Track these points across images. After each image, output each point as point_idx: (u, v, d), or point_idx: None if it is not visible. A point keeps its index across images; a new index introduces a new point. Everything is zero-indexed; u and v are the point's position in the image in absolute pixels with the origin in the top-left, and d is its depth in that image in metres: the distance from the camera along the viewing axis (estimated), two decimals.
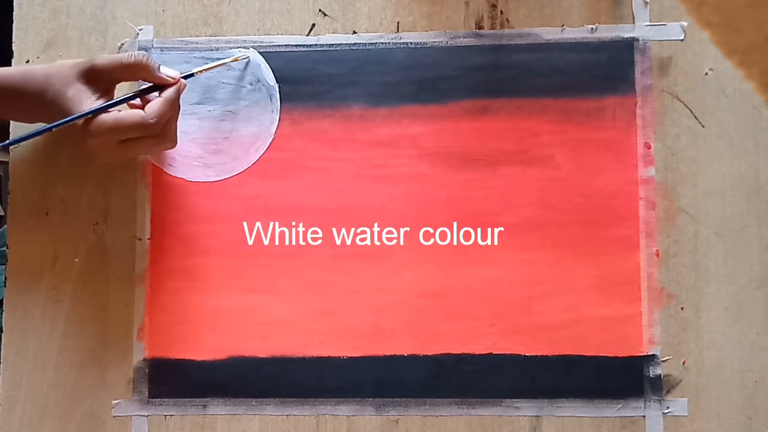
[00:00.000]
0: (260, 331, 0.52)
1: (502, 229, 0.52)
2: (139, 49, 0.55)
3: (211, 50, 0.55)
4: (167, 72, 0.48)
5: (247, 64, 0.54)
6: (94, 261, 0.54)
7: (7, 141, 0.48)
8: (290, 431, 0.52)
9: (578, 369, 0.51)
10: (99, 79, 0.47)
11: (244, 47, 0.54)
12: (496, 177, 0.53)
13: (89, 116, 0.45)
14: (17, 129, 0.54)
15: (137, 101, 0.49)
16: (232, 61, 0.53)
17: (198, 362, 0.52)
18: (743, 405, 0.50)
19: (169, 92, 0.48)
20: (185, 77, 0.50)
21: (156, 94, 0.48)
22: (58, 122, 0.46)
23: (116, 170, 0.54)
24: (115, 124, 0.45)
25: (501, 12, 0.54)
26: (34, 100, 0.48)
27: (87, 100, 0.46)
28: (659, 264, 0.52)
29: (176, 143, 0.50)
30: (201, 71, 0.51)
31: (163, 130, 0.47)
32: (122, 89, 0.51)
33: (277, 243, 0.53)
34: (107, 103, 0.46)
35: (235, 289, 0.53)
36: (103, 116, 0.46)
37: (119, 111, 0.46)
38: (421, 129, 0.53)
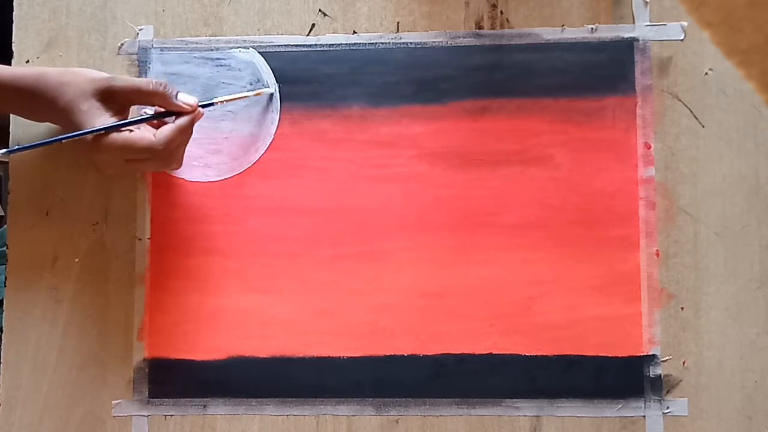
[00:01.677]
0: (260, 331, 0.52)
1: (502, 229, 0.52)
2: (139, 49, 0.55)
3: (211, 50, 0.55)
4: (185, 99, 0.48)
5: (271, 96, 0.54)
6: (94, 261, 0.54)
7: (17, 147, 0.48)
8: (290, 431, 0.52)
9: (578, 369, 0.51)
10: (115, 99, 0.48)
11: (244, 47, 0.54)
12: (496, 177, 0.53)
13: (100, 132, 0.46)
14: (17, 131, 0.54)
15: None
16: (254, 95, 0.53)
17: (198, 362, 0.52)
18: (743, 405, 0.50)
19: (182, 120, 0.48)
20: (203, 106, 0.50)
21: (173, 117, 0.48)
22: (70, 135, 0.46)
23: None
24: (124, 144, 0.46)
25: (501, 12, 0.54)
26: (46, 103, 0.48)
27: (100, 117, 0.46)
28: (659, 264, 0.52)
29: (181, 165, 0.50)
30: (221, 101, 0.51)
31: (170, 154, 0.48)
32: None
33: (277, 243, 0.53)
34: (119, 123, 0.47)
35: (235, 289, 0.53)
36: (114, 135, 0.46)
37: (130, 131, 0.46)
38: (421, 129, 0.53)
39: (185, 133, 0.48)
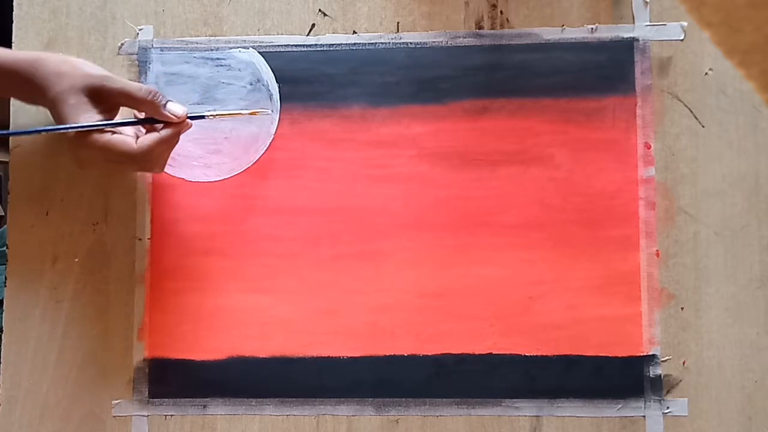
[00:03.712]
0: (260, 331, 0.52)
1: (502, 229, 0.52)
2: (139, 49, 0.55)
3: (211, 50, 0.55)
4: (173, 110, 0.48)
5: (272, 113, 0.53)
6: (94, 261, 0.54)
7: None
8: (290, 431, 0.52)
9: (578, 369, 0.51)
10: (105, 99, 0.47)
11: (244, 47, 0.54)
12: (496, 177, 0.53)
13: (82, 130, 0.46)
14: (19, 126, 0.54)
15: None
16: (249, 114, 0.52)
17: (198, 362, 0.52)
18: (743, 405, 0.50)
19: (166, 132, 0.47)
20: (193, 118, 0.49)
21: (161, 123, 0.48)
22: (51, 128, 0.47)
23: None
24: (104, 146, 0.46)
25: (501, 12, 0.54)
26: (39, 90, 0.48)
27: (86, 113, 0.46)
28: (659, 264, 0.52)
29: (163, 170, 0.50)
30: (212, 116, 0.50)
31: (150, 161, 0.47)
32: None
33: (277, 243, 0.53)
34: (103, 123, 0.46)
35: (235, 289, 0.53)
36: (96, 135, 0.46)
37: (113, 133, 0.46)
38: (421, 129, 0.53)
39: (168, 143, 0.48)
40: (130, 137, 0.47)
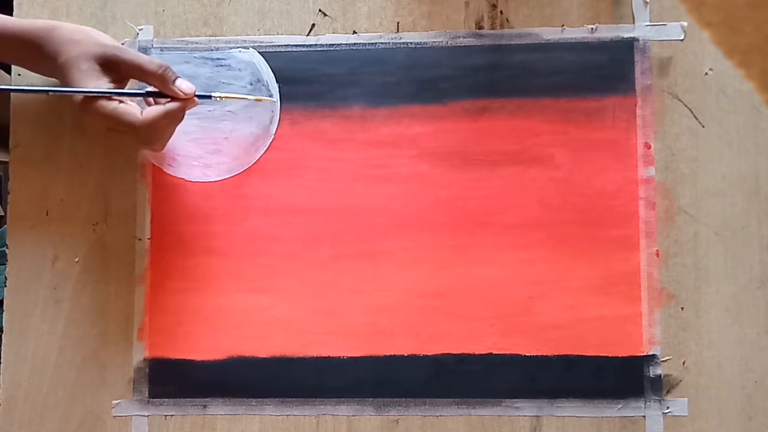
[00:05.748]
0: (260, 331, 0.52)
1: (502, 229, 0.52)
2: (139, 49, 0.55)
3: (211, 50, 0.55)
4: (181, 86, 0.48)
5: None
6: (94, 261, 0.54)
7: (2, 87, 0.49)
8: (290, 431, 0.52)
9: (578, 369, 0.51)
10: (116, 69, 0.48)
11: (244, 47, 0.54)
12: (496, 177, 0.53)
13: (90, 95, 0.46)
14: (19, 125, 0.54)
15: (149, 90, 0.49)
16: (255, 100, 0.52)
17: (198, 362, 0.52)
18: (743, 405, 0.50)
19: (171, 105, 0.47)
20: (201, 96, 0.49)
21: (168, 98, 0.48)
22: (61, 89, 0.47)
23: (116, 170, 0.54)
24: (110, 114, 0.46)
25: (501, 12, 0.54)
26: (50, 56, 0.48)
27: (97, 81, 0.46)
28: (659, 264, 0.52)
29: (163, 147, 0.50)
30: (219, 97, 0.50)
31: (153, 135, 0.47)
32: None
33: (277, 243, 0.53)
34: (111, 91, 0.46)
35: (235, 289, 0.53)
36: (104, 102, 0.46)
37: (120, 102, 0.46)
38: (421, 129, 0.53)
39: (172, 118, 0.48)
40: (136, 108, 0.47)
